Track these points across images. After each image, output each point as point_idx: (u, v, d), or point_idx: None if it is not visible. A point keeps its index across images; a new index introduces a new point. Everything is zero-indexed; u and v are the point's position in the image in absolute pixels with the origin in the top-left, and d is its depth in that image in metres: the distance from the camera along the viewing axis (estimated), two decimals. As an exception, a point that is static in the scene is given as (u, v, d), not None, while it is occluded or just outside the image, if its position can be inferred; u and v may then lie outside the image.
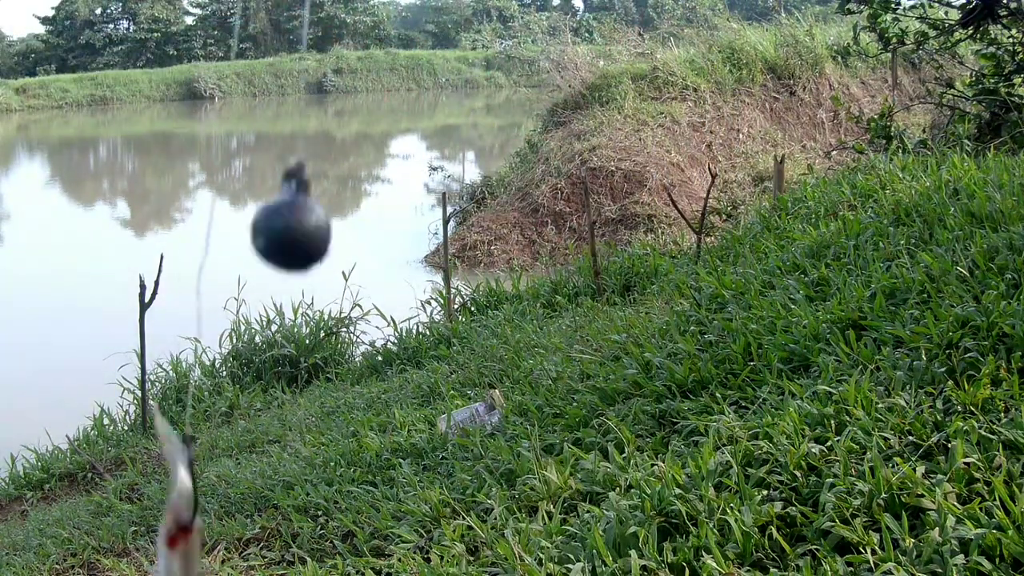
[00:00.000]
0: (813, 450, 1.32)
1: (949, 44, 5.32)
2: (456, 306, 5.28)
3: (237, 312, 5.32)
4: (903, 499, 1.18)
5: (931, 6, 5.39)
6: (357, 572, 1.46)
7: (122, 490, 2.59)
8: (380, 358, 4.19)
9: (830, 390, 1.50)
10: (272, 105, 35.02)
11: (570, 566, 1.24)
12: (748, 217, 5.37)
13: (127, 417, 4.61)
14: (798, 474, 1.28)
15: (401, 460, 1.90)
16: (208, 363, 5.10)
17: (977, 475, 1.21)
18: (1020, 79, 4.81)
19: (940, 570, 1.06)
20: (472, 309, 5.21)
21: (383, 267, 8.69)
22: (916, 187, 2.76)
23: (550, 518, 1.40)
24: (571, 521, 1.39)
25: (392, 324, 4.85)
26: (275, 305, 5.37)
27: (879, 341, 1.68)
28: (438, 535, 1.46)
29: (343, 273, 5.32)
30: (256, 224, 0.76)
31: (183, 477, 0.71)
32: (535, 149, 10.70)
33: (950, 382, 1.45)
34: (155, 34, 43.51)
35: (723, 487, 1.29)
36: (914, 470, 1.21)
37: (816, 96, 12.07)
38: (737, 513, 1.20)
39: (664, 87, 10.85)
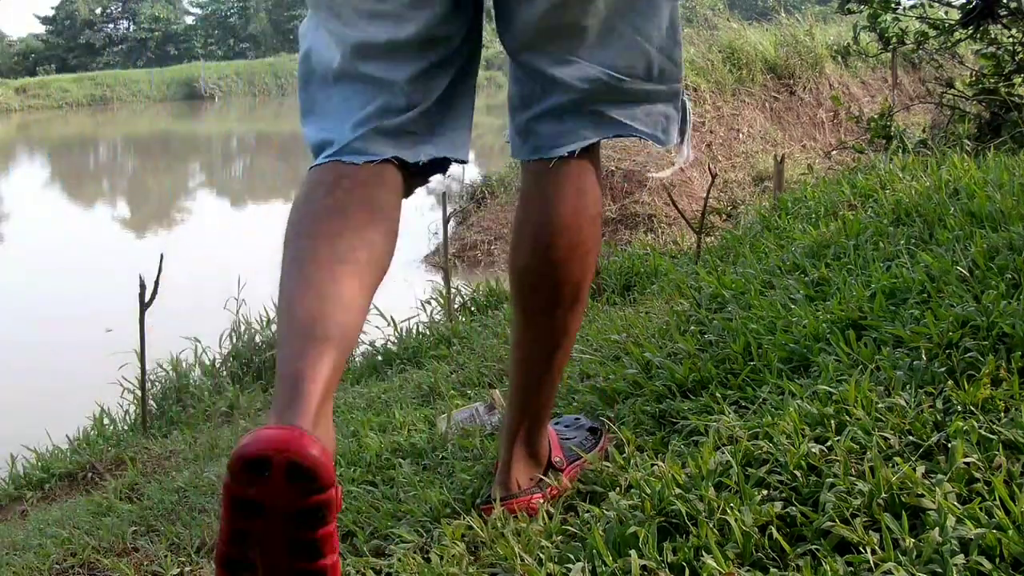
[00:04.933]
0: (813, 450, 1.31)
1: (949, 44, 5.32)
2: (456, 306, 5.27)
3: (237, 312, 5.33)
4: (903, 499, 1.17)
5: (931, 6, 5.39)
6: (357, 572, 1.46)
7: (122, 490, 2.59)
8: (380, 358, 4.19)
9: (830, 390, 1.49)
10: (272, 105, 35.03)
11: (570, 566, 1.24)
12: (748, 217, 5.37)
13: (127, 417, 4.61)
14: (798, 474, 1.28)
15: (401, 460, 1.90)
16: (208, 363, 5.10)
17: (977, 475, 1.21)
18: (1020, 79, 4.81)
19: (940, 570, 1.06)
20: (472, 309, 5.21)
21: (383, 267, 8.67)
22: (916, 187, 2.76)
23: (550, 518, 1.40)
24: (571, 521, 1.39)
25: (392, 324, 4.85)
26: (275, 305, 5.37)
27: (879, 341, 1.68)
28: (438, 535, 1.46)
29: (343, 273, 5.32)
30: None
31: None
32: (535, 149, 10.69)
33: (950, 382, 1.44)
34: (155, 34, 43.52)
35: (723, 487, 1.29)
36: (914, 470, 1.21)
37: (816, 96, 12.08)
38: (737, 513, 1.20)
39: (664, 87, 10.82)
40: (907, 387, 1.47)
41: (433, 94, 1.31)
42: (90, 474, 3.37)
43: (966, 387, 1.41)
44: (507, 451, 1.49)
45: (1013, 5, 4.62)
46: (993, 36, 4.89)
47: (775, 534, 1.19)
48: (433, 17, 1.28)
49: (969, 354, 1.51)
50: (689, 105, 1.44)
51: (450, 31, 1.32)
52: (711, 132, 10.69)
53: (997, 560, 1.06)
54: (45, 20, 44.18)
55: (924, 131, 6.01)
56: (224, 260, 9.64)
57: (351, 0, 1.27)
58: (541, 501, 1.47)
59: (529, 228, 1.38)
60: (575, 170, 1.37)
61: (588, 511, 1.40)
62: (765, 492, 1.27)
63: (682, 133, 1.45)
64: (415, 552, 1.45)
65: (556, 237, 1.35)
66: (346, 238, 1.20)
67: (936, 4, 5.34)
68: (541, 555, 1.29)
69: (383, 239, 1.24)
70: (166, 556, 1.74)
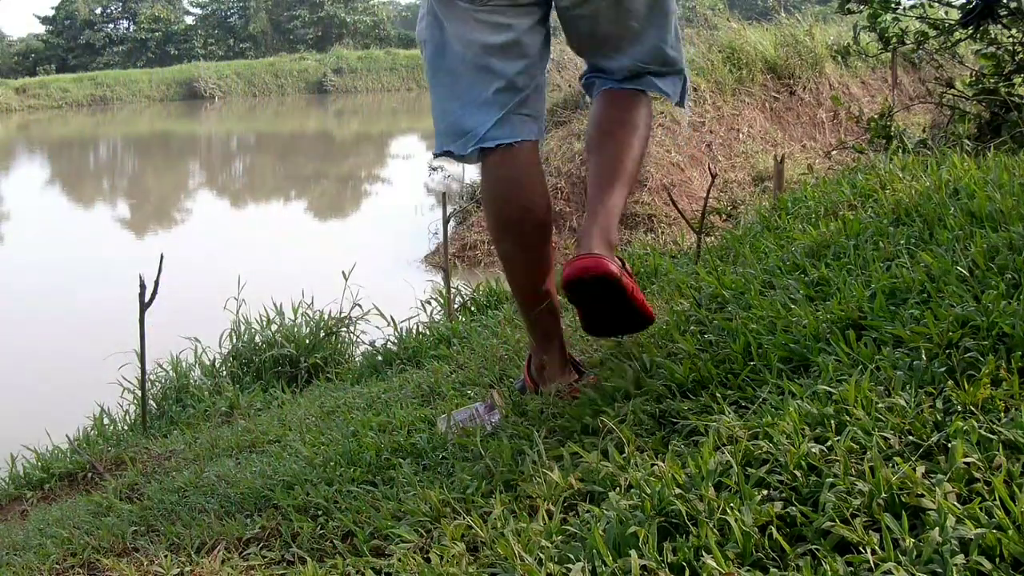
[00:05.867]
0: (813, 450, 1.31)
1: (949, 44, 5.31)
2: (456, 306, 5.27)
3: (237, 312, 5.32)
4: (903, 499, 1.17)
5: (931, 6, 5.38)
6: (357, 572, 1.46)
7: (122, 490, 2.59)
8: (380, 358, 4.18)
9: (830, 390, 1.49)
10: (272, 105, 35.02)
11: (570, 566, 1.24)
12: (748, 217, 5.36)
13: (127, 417, 4.61)
14: (798, 474, 1.28)
15: (401, 460, 1.90)
16: (208, 363, 5.09)
17: (977, 475, 1.21)
18: (1020, 79, 4.80)
19: (940, 570, 1.06)
20: (472, 309, 5.20)
21: (383, 267, 8.70)
22: (916, 187, 2.76)
23: (550, 517, 1.40)
24: (571, 521, 1.39)
25: (392, 324, 4.85)
26: (275, 305, 5.37)
27: (879, 341, 1.67)
28: (438, 535, 1.46)
29: (343, 273, 5.32)
30: None
31: None
32: (535, 149, 10.67)
33: (950, 382, 1.44)
34: (155, 34, 43.51)
35: (723, 487, 1.29)
36: (914, 470, 1.21)
37: (816, 96, 12.08)
38: (737, 513, 1.20)
39: (664, 87, 10.80)
40: (907, 387, 1.47)
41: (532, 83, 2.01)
42: (90, 474, 3.37)
43: (966, 387, 1.41)
44: (587, 226, 1.92)
45: (1013, 5, 4.61)
46: (993, 36, 4.88)
47: (775, 534, 1.19)
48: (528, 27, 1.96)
49: (969, 354, 1.51)
50: (688, 75, 2.24)
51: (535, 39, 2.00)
52: (711, 132, 10.69)
53: (997, 560, 1.06)
54: (45, 20, 44.13)
55: (924, 131, 6.00)
56: (224, 260, 9.65)
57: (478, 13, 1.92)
58: (613, 268, 1.84)
59: (608, 115, 2.06)
60: (633, 95, 2.09)
61: (588, 511, 1.40)
62: (765, 492, 1.27)
63: (683, 96, 2.21)
64: (415, 552, 1.45)
65: (631, 115, 2.06)
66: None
67: (936, 4, 5.34)
68: (541, 555, 1.29)
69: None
70: (166, 556, 1.74)
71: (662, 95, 2.11)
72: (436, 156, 2.09)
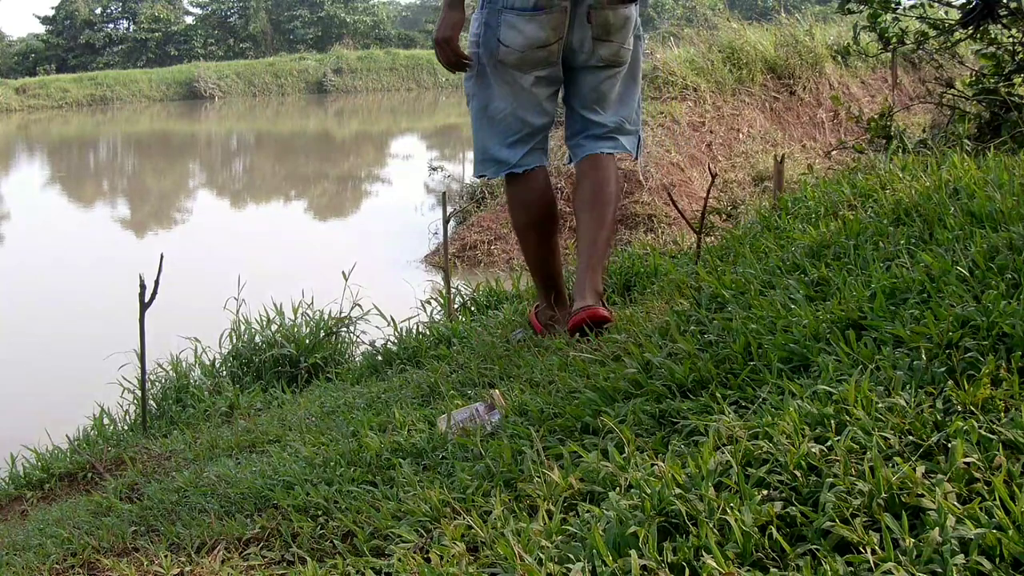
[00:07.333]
0: (813, 450, 1.31)
1: (949, 44, 5.31)
2: (456, 306, 5.27)
3: (237, 312, 5.32)
4: (903, 499, 1.17)
5: (931, 6, 5.38)
6: (357, 572, 1.46)
7: (122, 490, 2.59)
8: (380, 358, 4.18)
9: (830, 390, 1.49)
10: (272, 105, 35.02)
11: (570, 566, 1.24)
12: (748, 217, 5.36)
13: (127, 417, 4.61)
14: (798, 474, 1.28)
15: (401, 460, 1.90)
16: (208, 363, 5.09)
17: (977, 475, 1.21)
18: (1020, 79, 4.80)
19: (940, 570, 1.06)
20: (472, 309, 5.20)
21: (383, 267, 8.70)
22: (916, 187, 2.76)
23: (550, 518, 1.40)
24: (571, 521, 1.39)
25: (392, 324, 4.85)
26: (275, 305, 5.37)
27: (879, 341, 1.67)
28: (438, 535, 1.46)
29: (343, 273, 5.32)
30: None
31: None
32: (535, 149, 10.65)
33: (950, 382, 1.44)
34: (155, 34, 43.50)
35: (723, 487, 1.29)
36: (914, 470, 1.21)
37: (816, 96, 12.08)
38: (737, 513, 1.20)
39: (664, 87, 10.83)
40: (907, 387, 1.47)
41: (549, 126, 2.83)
42: (90, 474, 3.37)
43: (966, 387, 1.41)
44: (580, 285, 2.66)
45: (1013, 5, 4.61)
46: (993, 36, 4.88)
47: (775, 534, 1.19)
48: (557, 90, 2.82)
49: (969, 354, 1.51)
50: (642, 134, 2.91)
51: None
52: (711, 132, 10.69)
53: (997, 560, 1.06)
54: (45, 20, 44.10)
55: (924, 131, 6.00)
56: (224, 260, 9.65)
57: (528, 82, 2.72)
58: (606, 314, 2.57)
59: (591, 186, 2.76)
60: (609, 160, 2.80)
61: (588, 511, 1.40)
62: (765, 492, 1.27)
63: (638, 151, 2.91)
64: (415, 552, 1.45)
65: (608, 186, 2.76)
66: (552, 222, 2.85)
67: (936, 4, 5.34)
68: (541, 555, 1.29)
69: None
70: (166, 556, 1.74)
71: (626, 152, 2.84)
72: (477, 176, 2.91)
